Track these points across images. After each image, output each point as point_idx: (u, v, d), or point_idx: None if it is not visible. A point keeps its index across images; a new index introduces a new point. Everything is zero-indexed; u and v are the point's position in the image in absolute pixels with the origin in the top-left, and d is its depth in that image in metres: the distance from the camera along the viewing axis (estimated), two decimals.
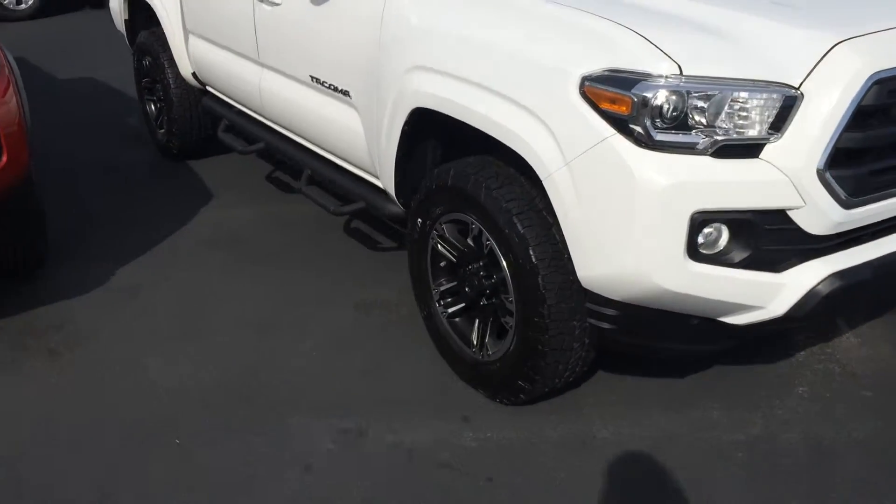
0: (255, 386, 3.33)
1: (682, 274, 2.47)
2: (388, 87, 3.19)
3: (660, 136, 2.39)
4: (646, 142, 2.39)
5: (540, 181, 2.68)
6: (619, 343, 2.81)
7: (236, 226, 4.73)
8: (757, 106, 2.38)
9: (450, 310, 3.26)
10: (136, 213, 4.93)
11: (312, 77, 3.73)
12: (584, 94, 2.47)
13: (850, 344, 3.50)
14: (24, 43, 9.00)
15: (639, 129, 2.38)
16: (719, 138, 2.39)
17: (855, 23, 2.47)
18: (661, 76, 2.37)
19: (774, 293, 2.52)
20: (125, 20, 5.91)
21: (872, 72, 2.37)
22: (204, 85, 5.17)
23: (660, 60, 2.38)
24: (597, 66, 2.46)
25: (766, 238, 2.46)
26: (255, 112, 4.53)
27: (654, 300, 2.56)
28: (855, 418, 3.07)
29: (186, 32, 5.03)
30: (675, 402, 3.17)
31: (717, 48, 2.44)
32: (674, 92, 2.37)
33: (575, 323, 2.80)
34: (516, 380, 2.98)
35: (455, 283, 3.24)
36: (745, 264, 2.49)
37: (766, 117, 2.39)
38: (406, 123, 3.14)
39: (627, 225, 2.45)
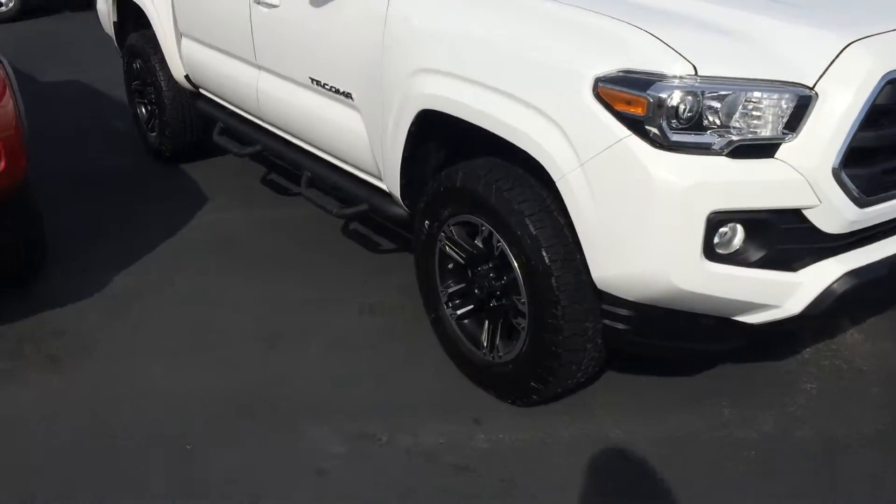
0: (263, 392, 3.31)
1: (699, 274, 2.47)
2: (394, 89, 3.17)
3: (675, 137, 2.39)
4: (661, 143, 2.39)
5: (550, 182, 2.68)
6: (633, 343, 2.81)
7: (234, 229, 4.69)
8: (772, 106, 2.38)
9: (458, 312, 3.25)
10: (132, 217, 4.89)
11: (312, 79, 3.70)
12: (598, 96, 2.46)
13: (854, 340, 3.52)
14: (5, 45, 8.85)
15: (654, 130, 2.38)
16: (735, 138, 2.39)
17: (867, 22, 2.48)
18: (676, 77, 2.37)
19: (790, 292, 2.53)
20: (114, 22, 5.84)
21: (886, 71, 2.38)
22: (197, 87, 5.13)
23: (674, 61, 2.38)
24: (610, 67, 2.45)
25: (781, 237, 2.47)
26: (251, 114, 4.50)
27: (670, 300, 2.57)
28: (865, 414, 3.09)
29: (179, 34, 4.99)
30: (685, 401, 3.18)
31: (731, 48, 2.44)
32: (689, 92, 2.37)
33: (588, 324, 2.79)
34: (529, 381, 2.97)
35: (463, 284, 3.23)
36: (761, 264, 2.49)
37: (780, 117, 2.39)
38: (412, 125, 3.12)
39: (644, 226, 2.45)
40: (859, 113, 2.37)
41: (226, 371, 3.46)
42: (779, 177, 2.41)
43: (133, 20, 5.61)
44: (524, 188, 2.81)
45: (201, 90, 5.11)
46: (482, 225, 2.97)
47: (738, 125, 2.40)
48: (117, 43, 5.97)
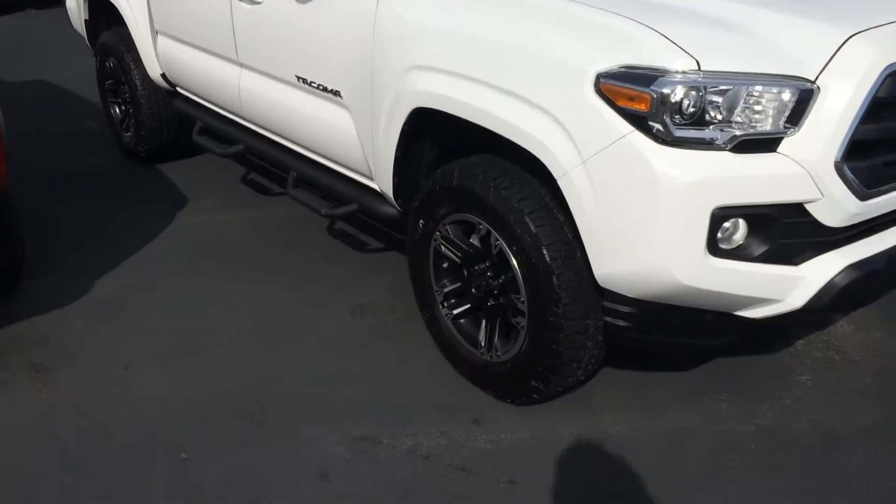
0: (259, 396, 3.26)
1: (703, 270, 2.47)
2: (385, 86, 3.13)
3: (679, 133, 2.38)
4: (665, 138, 2.38)
5: (549, 179, 2.66)
6: (634, 340, 2.80)
7: (217, 231, 4.62)
8: (774, 100, 2.38)
9: (454, 311, 3.22)
10: (111, 219, 4.79)
11: (299, 77, 3.64)
12: (600, 92, 2.44)
13: (845, 331, 3.54)
14: None
15: (658, 125, 2.37)
16: (738, 133, 2.39)
17: (867, 15, 2.48)
18: (679, 72, 2.36)
19: (792, 286, 2.54)
20: (85, 20, 5.72)
21: (887, 63, 2.39)
22: (174, 86, 5.04)
23: (677, 56, 2.37)
24: (612, 62, 2.43)
25: (783, 232, 2.48)
26: (233, 113, 4.42)
27: (673, 297, 2.56)
28: (861, 405, 3.11)
29: (154, 32, 4.89)
30: (683, 396, 3.18)
31: (733, 43, 2.43)
32: (692, 87, 2.36)
33: (589, 321, 2.78)
34: (529, 380, 2.95)
35: (459, 284, 3.20)
36: (764, 258, 2.50)
37: (783, 111, 2.39)
38: (406, 124, 3.08)
39: (648, 222, 2.43)
40: (861, 106, 2.38)
41: (218, 373, 3.40)
42: (781, 171, 2.41)
43: (105, 18, 5.50)
44: (523, 186, 2.79)
45: (178, 89, 5.02)
46: (479, 223, 2.94)
47: (740, 120, 2.40)
48: (88, 41, 5.85)
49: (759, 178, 2.40)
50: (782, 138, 2.41)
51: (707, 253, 2.45)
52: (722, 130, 2.39)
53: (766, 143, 2.42)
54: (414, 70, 2.97)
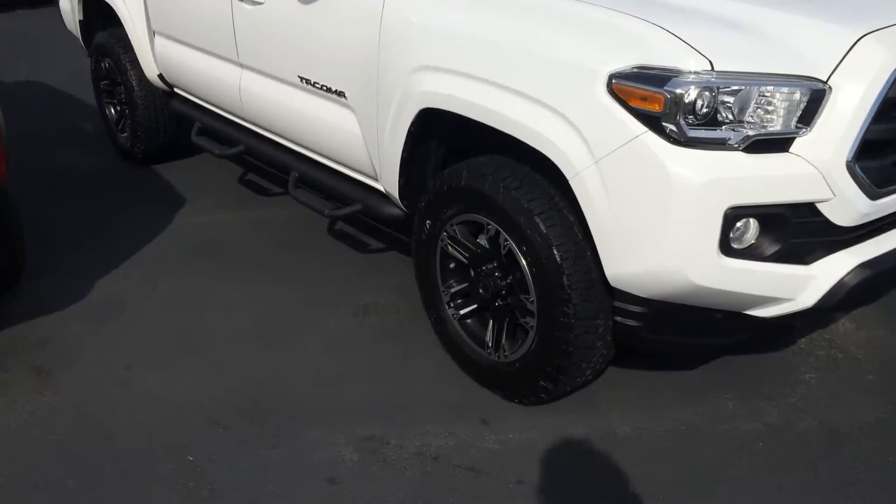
0: (263, 398, 3.24)
1: (716, 269, 2.47)
2: (392, 87, 3.12)
3: (692, 133, 2.38)
4: (678, 139, 2.38)
5: (558, 179, 2.66)
6: (645, 340, 2.80)
7: (215, 231, 4.60)
8: (787, 100, 2.39)
9: (461, 312, 3.22)
10: (109, 220, 4.76)
11: (302, 78, 3.63)
12: (613, 92, 2.45)
13: (846, 329, 3.57)
14: None
15: (672, 126, 2.37)
16: (751, 133, 2.40)
17: (878, 15, 2.50)
18: (692, 72, 2.36)
19: (804, 285, 2.55)
20: (79, 21, 5.68)
21: None
22: (171, 87, 5.01)
23: (690, 56, 2.38)
24: (625, 63, 2.44)
25: (795, 231, 2.49)
26: (233, 114, 4.40)
27: (686, 296, 2.57)
28: (865, 402, 3.14)
29: (152, 32, 4.86)
30: (689, 394, 3.19)
31: (745, 43, 2.44)
32: (706, 88, 2.36)
33: (599, 321, 2.78)
34: (538, 380, 2.95)
35: (466, 284, 3.19)
36: (776, 258, 2.51)
37: (795, 111, 2.40)
38: (413, 125, 3.08)
39: (661, 222, 2.44)
40: (872, 106, 2.39)
41: (220, 374, 3.39)
42: (794, 171, 2.42)
43: (100, 18, 5.46)
44: (532, 186, 2.79)
45: (176, 89, 5.00)
46: (488, 224, 2.94)
47: (752, 120, 2.41)
48: (83, 42, 5.81)
49: (771, 178, 2.41)
50: (794, 138, 2.43)
51: (720, 253, 2.45)
52: (735, 130, 2.40)
53: (778, 143, 2.43)
54: (421, 71, 2.97)
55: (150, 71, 5.01)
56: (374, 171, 3.44)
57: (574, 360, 2.83)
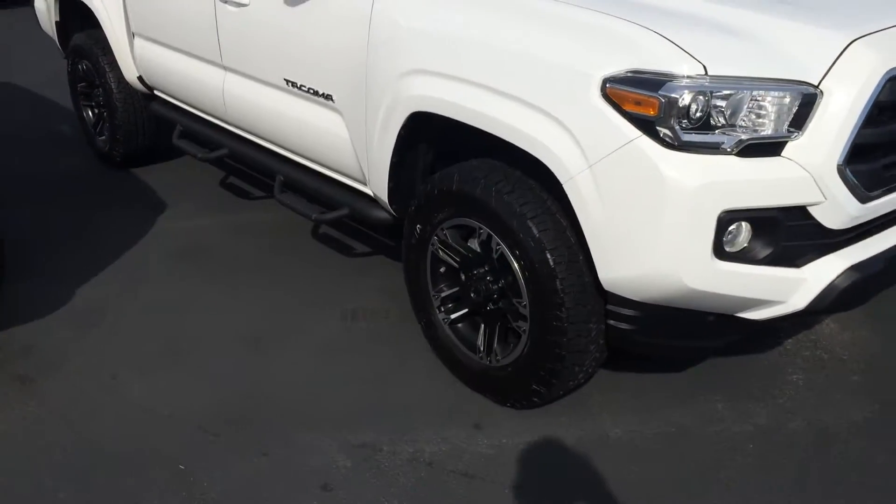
0: (253, 404, 3.21)
1: (710, 273, 2.49)
2: (381, 90, 3.11)
3: (687, 137, 2.39)
4: (673, 143, 2.39)
5: (550, 183, 2.66)
6: (637, 343, 2.81)
7: (198, 236, 4.56)
8: (779, 104, 2.41)
9: (452, 316, 3.21)
10: (88, 226, 4.69)
11: (288, 81, 3.61)
12: (607, 96, 2.45)
13: (831, 330, 3.60)
14: None
15: (666, 130, 2.38)
16: (744, 137, 2.41)
17: (868, 20, 2.52)
18: (686, 77, 2.37)
19: (795, 288, 2.57)
20: (56, 22, 5.60)
21: (888, 68, 2.43)
22: (151, 89, 4.96)
23: (684, 61, 2.38)
24: (619, 67, 2.44)
25: (787, 234, 2.50)
26: (216, 117, 4.36)
27: (679, 300, 2.58)
28: (851, 402, 3.17)
29: (131, 34, 4.81)
30: (679, 396, 3.21)
31: (738, 48, 2.45)
32: (700, 92, 2.37)
33: (592, 325, 2.79)
34: (530, 384, 2.95)
35: (457, 288, 3.19)
36: (768, 261, 2.52)
37: (787, 115, 2.42)
38: (402, 128, 3.06)
39: (656, 226, 2.45)
40: (863, 110, 2.41)
41: (208, 381, 3.36)
42: (786, 174, 2.44)
43: (77, 19, 5.39)
44: (525, 190, 2.79)
45: (156, 92, 4.94)
46: (479, 228, 2.94)
47: (745, 124, 2.42)
48: (59, 44, 5.73)
49: (764, 182, 2.43)
50: (787, 142, 2.44)
51: (713, 256, 2.47)
52: (728, 135, 2.41)
53: (770, 147, 2.44)
54: (412, 74, 2.96)
55: (130, 73, 4.95)
56: (363, 174, 3.42)
57: (567, 364, 2.84)
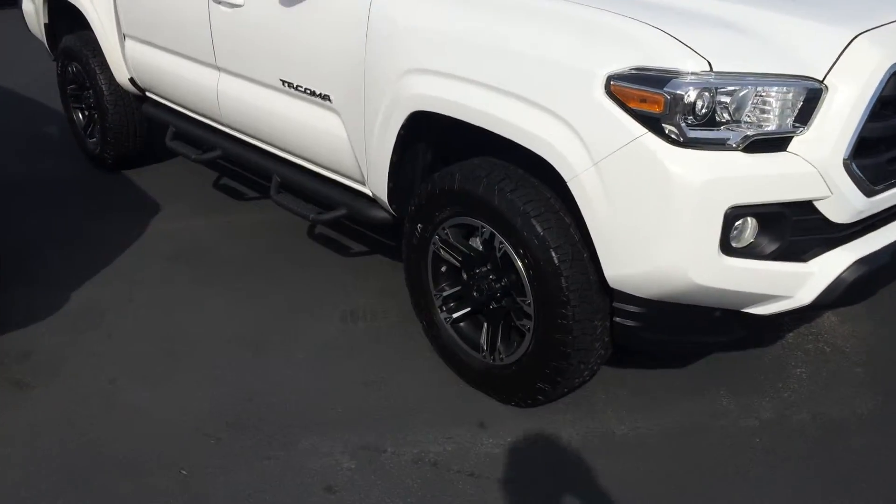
0: (254, 407, 3.19)
1: (717, 269, 2.48)
2: (380, 90, 3.08)
3: (692, 133, 2.38)
4: (679, 139, 2.38)
5: (554, 181, 2.65)
6: (643, 340, 2.80)
7: (193, 238, 4.52)
8: (784, 100, 2.40)
9: (454, 315, 3.19)
10: (81, 229, 4.65)
11: (284, 81, 3.57)
12: (611, 94, 2.44)
13: (832, 322, 3.61)
14: None
15: (672, 127, 2.37)
16: (749, 133, 2.40)
17: (872, 15, 2.52)
18: (691, 73, 2.36)
19: (802, 282, 2.56)
20: (44, 24, 5.54)
21: (892, 62, 2.43)
22: (143, 91, 4.91)
23: (689, 57, 2.37)
24: (623, 64, 2.43)
25: (793, 229, 2.50)
26: (210, 118, 4.32)
27: (686, 296, 2.57)
28: (855, 395, 3.17)
29: (122, 36, 4.76)
30: (683, 392, 3.21)
31: (742, 44, 2.44)
32: (705, 89, 2.36)
33: (597, 322, 2.78)
34: (535, 382, 2.94)
35: (459, 287, 3.17)
36: (775, 256, 2.52)
37: (792, 111, 2.41)
38: (402, 128, 3.04)
39: (662, 223, 2.44)
40: (868, 104, 2.41)
41: (207, 384, 3.33)
42: (792, 170, 2.43)
43: (67, 21, 5.34)
44: (528, 188, 2.77)
45: (148, 93, 4.90)
46: (482, 227, 2.92)
47: (750, 120, 2.41)
48: (48, 45, 5.68)
49: (771, 177, 2.42)
50: (792, 137, 2.44)
51: (720, 252, 2.46)
52: (734, 130, 2.40)
53: (776, 143, 2.44)
54: (412, 73, 2.93)
55: (121, 75, 4.90)
56: (361, 174, 3.39)
57: (572, 362, 2.82)
